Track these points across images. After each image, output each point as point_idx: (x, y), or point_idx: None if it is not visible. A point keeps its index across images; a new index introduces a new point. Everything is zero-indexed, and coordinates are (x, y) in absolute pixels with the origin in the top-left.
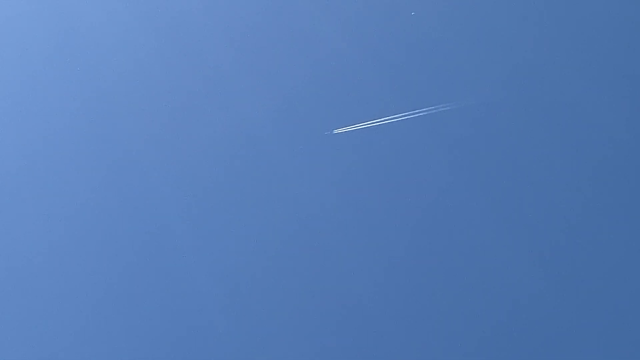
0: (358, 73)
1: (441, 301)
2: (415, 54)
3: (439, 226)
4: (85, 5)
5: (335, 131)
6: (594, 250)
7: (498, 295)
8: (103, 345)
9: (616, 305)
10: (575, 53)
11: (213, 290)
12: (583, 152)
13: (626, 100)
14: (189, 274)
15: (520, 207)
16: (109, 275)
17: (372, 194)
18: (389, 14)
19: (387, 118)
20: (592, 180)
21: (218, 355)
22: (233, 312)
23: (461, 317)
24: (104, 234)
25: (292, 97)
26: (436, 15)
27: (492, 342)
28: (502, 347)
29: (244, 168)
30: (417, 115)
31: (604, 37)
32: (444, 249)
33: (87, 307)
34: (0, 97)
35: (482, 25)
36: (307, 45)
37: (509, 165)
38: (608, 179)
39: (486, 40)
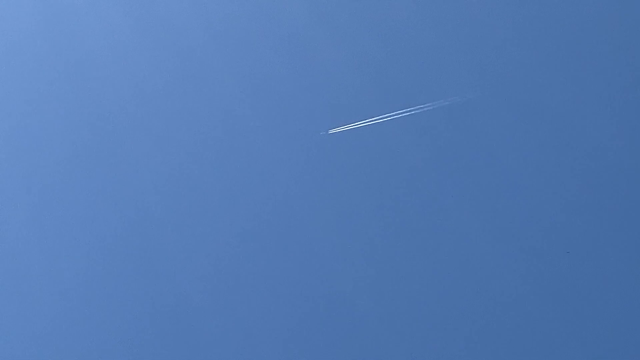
0: (350, 73)
1: (435, 301)
2: (406, 53)
3: (435, 225)
4: (79, 6)
5: (331, 131)
6: (585, 248)
7: (490, 296)
8: (94, 344)
9: (612, 304)
10: (562, 50)
11: (204, 290)
12: (571, 148)
13: (617, 97)
14: (181, 273)
15: (512, 206)
16: (100, 275)
17: (368, 193)
18: (378, 14)
19: (382, 117)
20: (581, 175)
21: (209, 355)
22: (226, 312)
23: (455, 317)
24: (96, 235)
25: (285, 97)
26: (424, 14)
27: (483, 342)
28: (493, 348)
29: (238, 169)
30: (411, 113)
31: (589, 32)
32: (438, 248)
33: (78, 307)
34: None
35: (470, 24)
36: (299, 46)
37: (501, 162)
38: (598, 175)
39: (474, 37)
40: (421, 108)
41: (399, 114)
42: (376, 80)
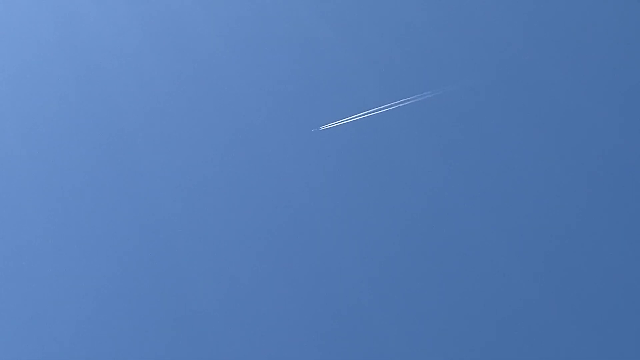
0: (339, 69)
1: (433, 295)
2: (393, 45)
3: (431, 216)
4: (84, 5)
5: (322, 127)
6: (579, 240)
7: (489, 289)
8: (102, 344)
9: (611, 302)
10: (553, 39)
11: (201, 283)
12: (570, 135)
13: (611, 87)
14: (177, 268)
15: (509, 196)
16: (105, 274)
17: (364, 187)
18: (365, 10)
19: (372, 110)
20: (580, 163)
21: (215, 354)
22: (223, 307)
23: (453, 313)
24: (100, 234)
25: (276, 97)
26: (412, 6)
27: (481, 339)
28: (495, 346)
29: (233, 169)
30: (400, 105)
31: (583, 22)
32: (434, 239)
33: (86, 306)
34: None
35: (459, 14)
36: (286, 45)
37: (493, 150)
38: (595, 164)
39: (464, 28)
40: (411, 100)
41: (390, 106)
42: (364, 74)
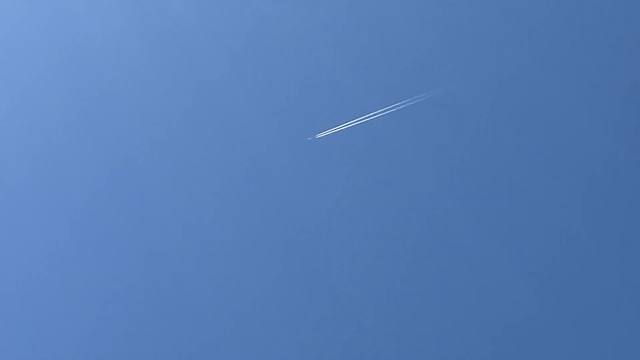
0: (331, 75)
1: (429, 296)
2: (384, 51)
3: (429, 220)
4: (84, 10)
5: (318, 135)
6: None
7: (485, 291)
8: (103, 346)
9: (612, 304)
10: (549, 40)
11: (201, 287)
12: (560, 138)
13: (600, 91)
14: (177, 272)
15: (505, 199)
16: (106, 278)
17: (364, 191)
18: (358, 17)
19: (366, 116)
20: (568, 164)
21: (216, 356)
22: (223, 310)
23: (451, 314)
24: (101, 238)
25: (273, 105)
26: (404, 11)
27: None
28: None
29: (230, 178)
30: (394, 109)
31: (573, 24)
32: (432, 242)
33: (87, 309)
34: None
35: (453, 17)
36: (281, 55)
37: (489, 152)
38: (588, 167)
39: (457, 32)
40: (405, 103)
41: (384, 111)
42: (356, 80)
